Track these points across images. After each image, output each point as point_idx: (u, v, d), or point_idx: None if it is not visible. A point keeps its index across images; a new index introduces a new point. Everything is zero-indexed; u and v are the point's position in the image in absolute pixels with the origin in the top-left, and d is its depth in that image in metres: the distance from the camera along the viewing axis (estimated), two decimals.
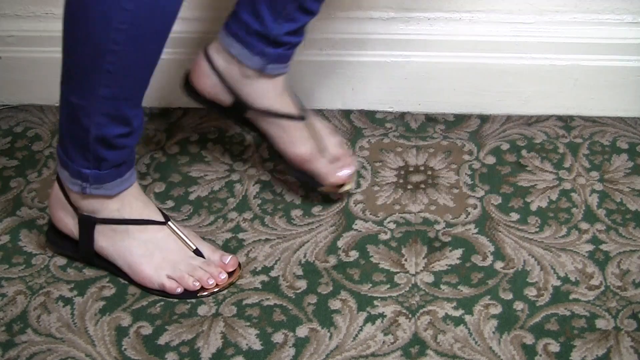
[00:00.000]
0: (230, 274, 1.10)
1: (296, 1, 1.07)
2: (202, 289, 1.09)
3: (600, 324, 1.03)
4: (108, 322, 1.06)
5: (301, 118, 1.16)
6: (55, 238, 1.14)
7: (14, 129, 1.36)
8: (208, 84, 1.15)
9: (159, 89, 1.37)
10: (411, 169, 1.26)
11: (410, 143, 1.30)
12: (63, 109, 1.02)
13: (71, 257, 1.14)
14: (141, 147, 1.31)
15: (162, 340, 1.04)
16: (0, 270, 1.14)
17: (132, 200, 1.09)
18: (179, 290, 1.08)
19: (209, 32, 1.29)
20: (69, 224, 1.11)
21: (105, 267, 1.11)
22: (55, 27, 1.33)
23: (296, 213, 1.20)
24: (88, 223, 1.09)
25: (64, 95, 1.01)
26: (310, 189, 1.21)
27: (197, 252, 1.10)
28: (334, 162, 1.17)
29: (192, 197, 1.23)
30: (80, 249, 1.11)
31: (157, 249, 1.09)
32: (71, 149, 1.04)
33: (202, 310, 1.07)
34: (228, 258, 1.11)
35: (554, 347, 1.01)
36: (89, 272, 1.13)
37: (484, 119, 1.34)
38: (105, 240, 1.09)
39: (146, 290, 1.10)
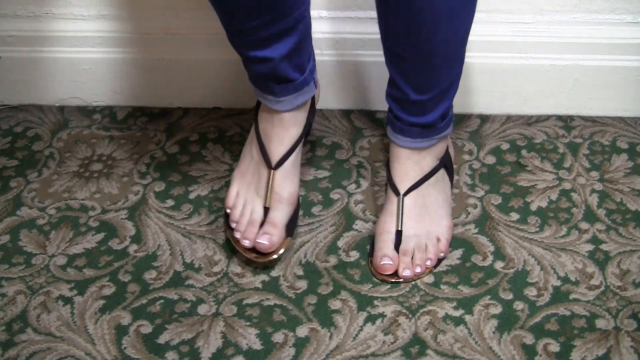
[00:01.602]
0: (260, 253, 1.10)
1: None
2: (233, 230, 1.13)
3: (600, 324, 1.03)
4: (108, 320, 1.06)
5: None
6: None
7: (14, 129, 1.36)
8: None
9: (159, 88, 1.37)
10: None
11: None
12: None
13: None
14: (141, 147, 1.31)
15: (162, 339, 1.04)
16: (0, 270, 1.14)
17: (267, 126, 1.12)
18: (228, 211, 1.14)
19: (209, 32, 1.29)
20: None
21: None
22: (55, 27, 1.34)
23: None
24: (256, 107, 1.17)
25: None
26: (311, 189, 1.22)
27: (266, 211, 1.12)
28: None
29: (192, 196, 1.23)
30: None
31: (250, 172, 1.14)
32: None
33: (202, 309, 1.07)
34: (263, 239, 1.09)
35: (554, 347, 1.01)
36: (89, 272, 1.13)
37: (484, 118, 1.34)
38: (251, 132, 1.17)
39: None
